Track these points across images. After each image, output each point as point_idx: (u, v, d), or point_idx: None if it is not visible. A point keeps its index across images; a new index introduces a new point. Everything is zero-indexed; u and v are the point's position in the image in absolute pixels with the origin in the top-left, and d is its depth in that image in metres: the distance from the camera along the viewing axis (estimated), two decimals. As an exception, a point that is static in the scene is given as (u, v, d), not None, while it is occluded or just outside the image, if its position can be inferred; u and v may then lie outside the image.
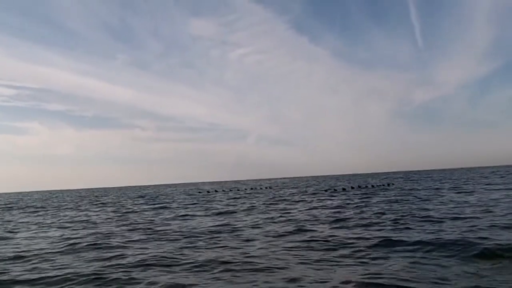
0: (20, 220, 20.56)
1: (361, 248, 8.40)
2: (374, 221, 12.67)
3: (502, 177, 44.70)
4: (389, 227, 11.15)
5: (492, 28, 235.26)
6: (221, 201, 29.37)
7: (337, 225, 12.33)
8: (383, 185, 40.26)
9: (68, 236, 12.59)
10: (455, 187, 29.94)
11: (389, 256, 7.61)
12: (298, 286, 5.89)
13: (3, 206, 40.11)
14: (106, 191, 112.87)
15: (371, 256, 7.69)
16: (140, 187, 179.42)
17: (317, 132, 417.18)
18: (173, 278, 6.60)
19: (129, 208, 26.00)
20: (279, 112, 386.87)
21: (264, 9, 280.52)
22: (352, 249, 8.38)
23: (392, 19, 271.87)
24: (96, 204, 34.30)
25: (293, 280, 6.18)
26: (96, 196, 59.77)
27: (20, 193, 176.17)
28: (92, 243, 10.72)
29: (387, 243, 8.74)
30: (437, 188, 30.05)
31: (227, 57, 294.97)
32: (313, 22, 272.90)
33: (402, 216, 13.45)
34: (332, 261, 7.46)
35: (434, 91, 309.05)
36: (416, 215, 13.37)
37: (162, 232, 12.62)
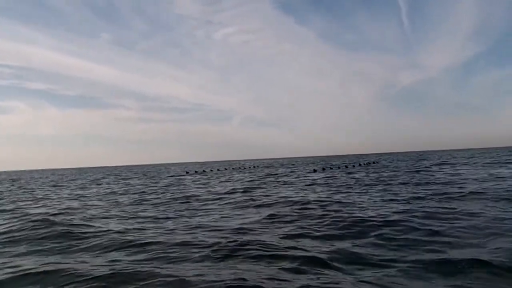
0: None
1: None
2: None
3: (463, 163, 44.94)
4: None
5: (477, 12, 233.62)
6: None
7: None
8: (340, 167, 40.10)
9: None
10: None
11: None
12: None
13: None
14: (84, 171, 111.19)
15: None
16: (126, 167, 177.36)
17: (303, 114, 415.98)
18: None
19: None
20: (265, 94, 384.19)
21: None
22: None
23: (378, 0, 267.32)
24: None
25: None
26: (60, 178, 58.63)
27: None
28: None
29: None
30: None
31: (212, 37, 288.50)
32: (299, 2, 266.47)
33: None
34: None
35: (418, 74, 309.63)
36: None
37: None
